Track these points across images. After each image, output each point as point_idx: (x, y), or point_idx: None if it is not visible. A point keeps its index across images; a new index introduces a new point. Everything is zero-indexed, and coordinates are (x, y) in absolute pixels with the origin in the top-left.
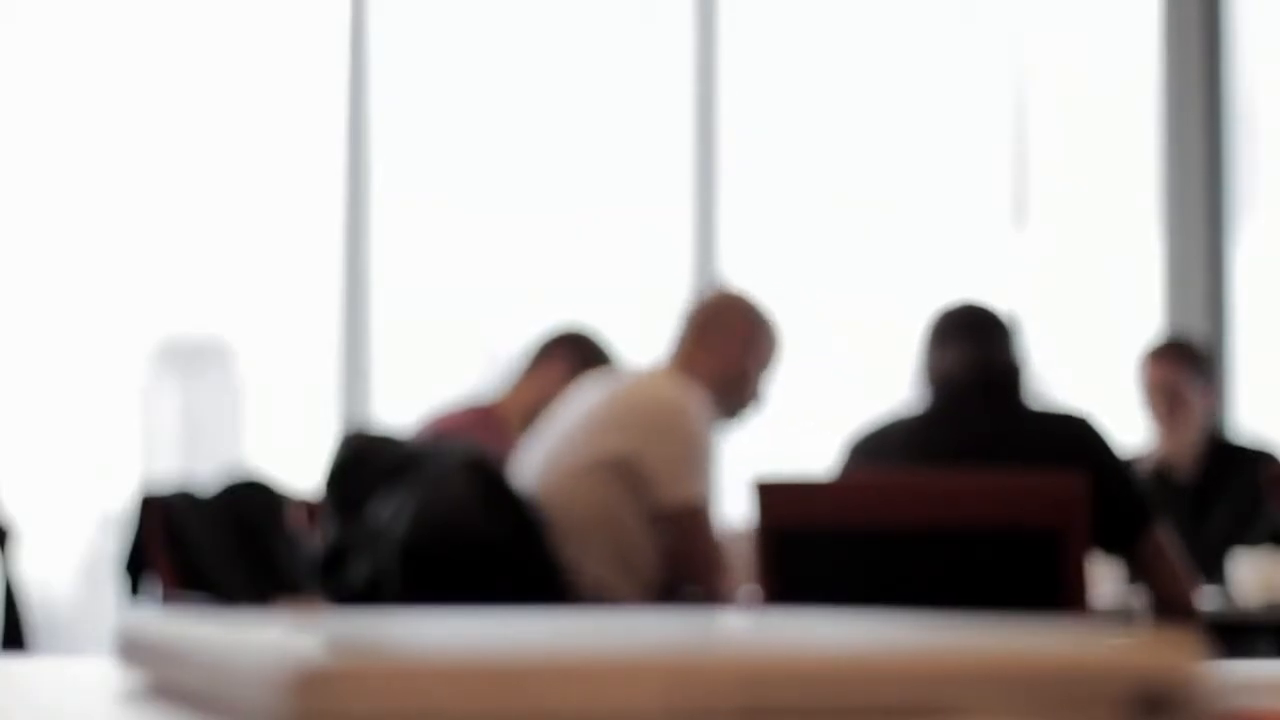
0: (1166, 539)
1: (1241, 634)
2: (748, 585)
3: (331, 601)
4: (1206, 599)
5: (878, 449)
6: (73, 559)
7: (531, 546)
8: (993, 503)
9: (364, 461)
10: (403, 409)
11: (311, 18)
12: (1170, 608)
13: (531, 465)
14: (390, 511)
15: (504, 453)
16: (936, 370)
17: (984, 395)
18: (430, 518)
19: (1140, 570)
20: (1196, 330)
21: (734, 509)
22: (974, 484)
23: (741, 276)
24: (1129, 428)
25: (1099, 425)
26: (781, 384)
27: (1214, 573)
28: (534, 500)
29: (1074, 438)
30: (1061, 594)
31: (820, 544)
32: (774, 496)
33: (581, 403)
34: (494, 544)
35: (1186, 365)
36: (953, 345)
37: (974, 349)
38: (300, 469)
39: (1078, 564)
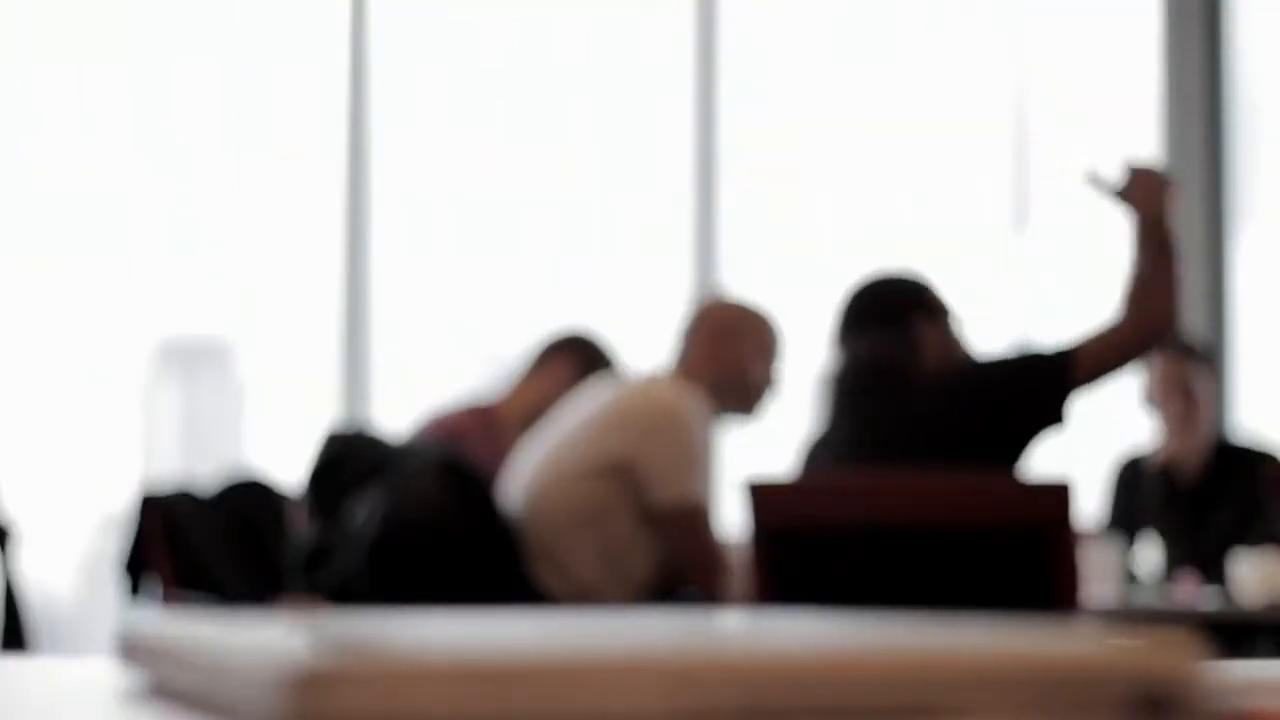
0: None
1: (1242, 634)
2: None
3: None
4: (1208, 599)
5: (817, 455)
6: (73, 559)
7: (499, 548)
8: (986, 502)
9: (344, 462)
10: (403, 409)
11: (312, 16)
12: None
13: (528, 467)
14: (365, 511)
15: (502, 454)
16: (828, 374)
17: (868, 389)
18: (400, 517)
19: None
20: (1196, 330)
21: (734, 514)
22: (967, 484)
23: (741, 279)
24: (1129, 429)
25: (978, 356)
26: (781, 387)
27: (1215, 573)
28: (515, 502)
29: (956, 383)
30: (1056, 593)
31: (814, 544)
32: (768, 497)
33: (581, 407)
34: (461, 544)
35: (1196, 364)
36: (836, 345)
37: (851, 345)
38: (301, 469)
39: (1071, 563)
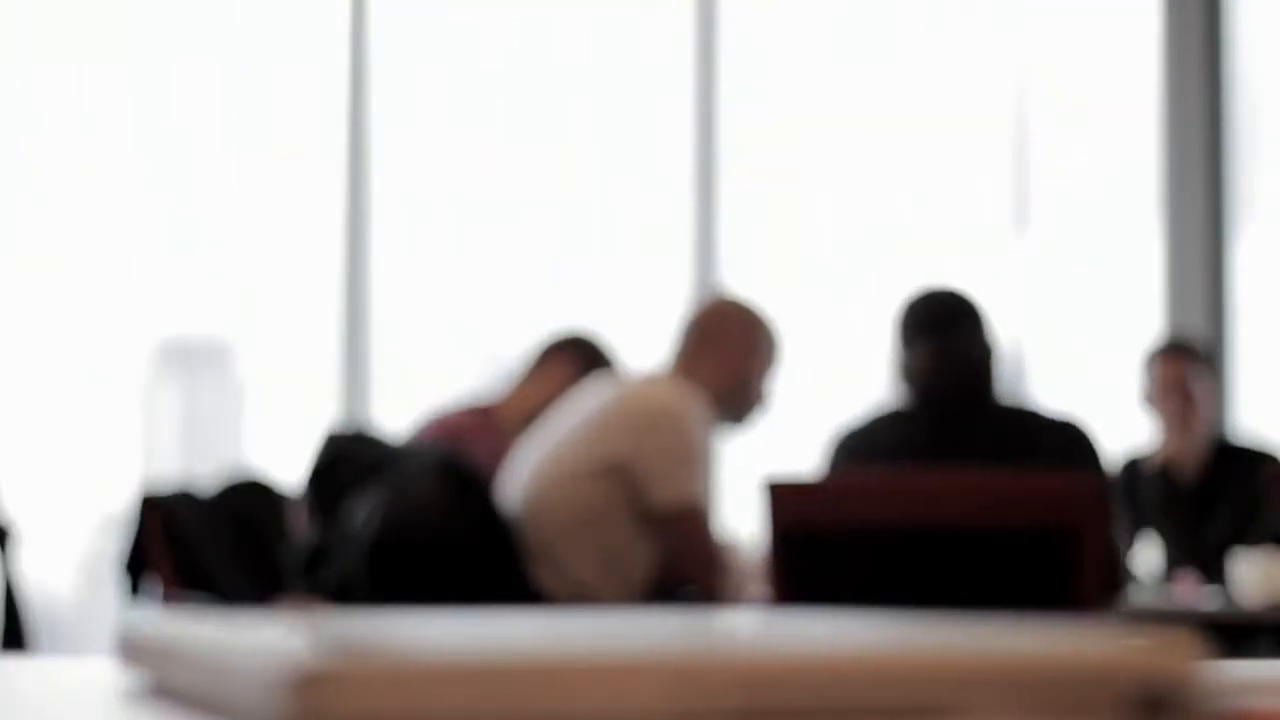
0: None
1: (1242, 634)
2: (756, 587)
3: (315, 600)
4: (1208, 599)
5: (861, 448)
6: (73, 559)
7: (498, 548)
8: (1005, 503)
9: (343, 462)
10: (403, 409)
11: (312, 16)
12: None
13: (526, 467)
14: (364, 512)
15: (502, 454)
16: (908, 368)
17: (958, 392)
18: (400, 518)
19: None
20: (1196, 330)
21: (735, 514)
22: (986, 484)
23: (741, 279)
24: (1129, 429)
25: (1092, 435)
26: (781, 388)
27: (1215, 573)
28: (514, 502)
29: (1064, 443)
30: (1073, 595)
31: (831, 544)
32: (785, 497)
33: (579, 407)
34: (460, 545)
35: (1195, 364)
36: (920, 342)
37: (940, 344)
38: (301, 469)
39: (1089, 565)
